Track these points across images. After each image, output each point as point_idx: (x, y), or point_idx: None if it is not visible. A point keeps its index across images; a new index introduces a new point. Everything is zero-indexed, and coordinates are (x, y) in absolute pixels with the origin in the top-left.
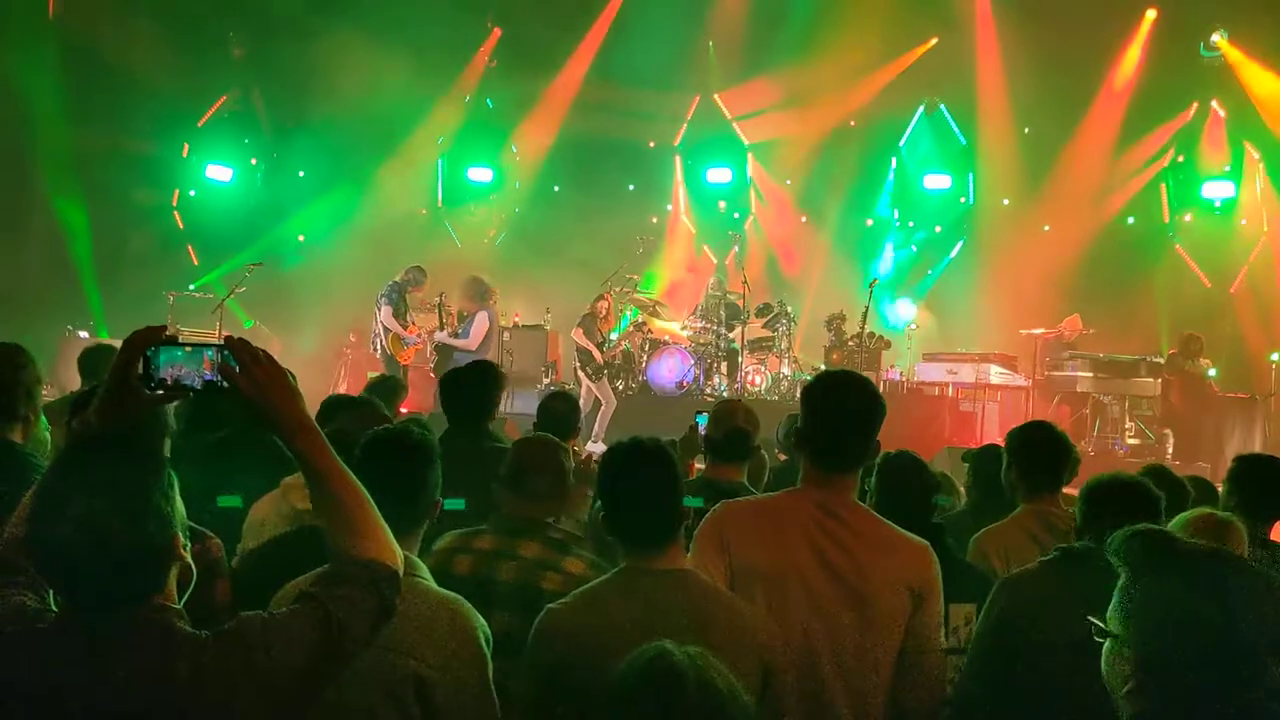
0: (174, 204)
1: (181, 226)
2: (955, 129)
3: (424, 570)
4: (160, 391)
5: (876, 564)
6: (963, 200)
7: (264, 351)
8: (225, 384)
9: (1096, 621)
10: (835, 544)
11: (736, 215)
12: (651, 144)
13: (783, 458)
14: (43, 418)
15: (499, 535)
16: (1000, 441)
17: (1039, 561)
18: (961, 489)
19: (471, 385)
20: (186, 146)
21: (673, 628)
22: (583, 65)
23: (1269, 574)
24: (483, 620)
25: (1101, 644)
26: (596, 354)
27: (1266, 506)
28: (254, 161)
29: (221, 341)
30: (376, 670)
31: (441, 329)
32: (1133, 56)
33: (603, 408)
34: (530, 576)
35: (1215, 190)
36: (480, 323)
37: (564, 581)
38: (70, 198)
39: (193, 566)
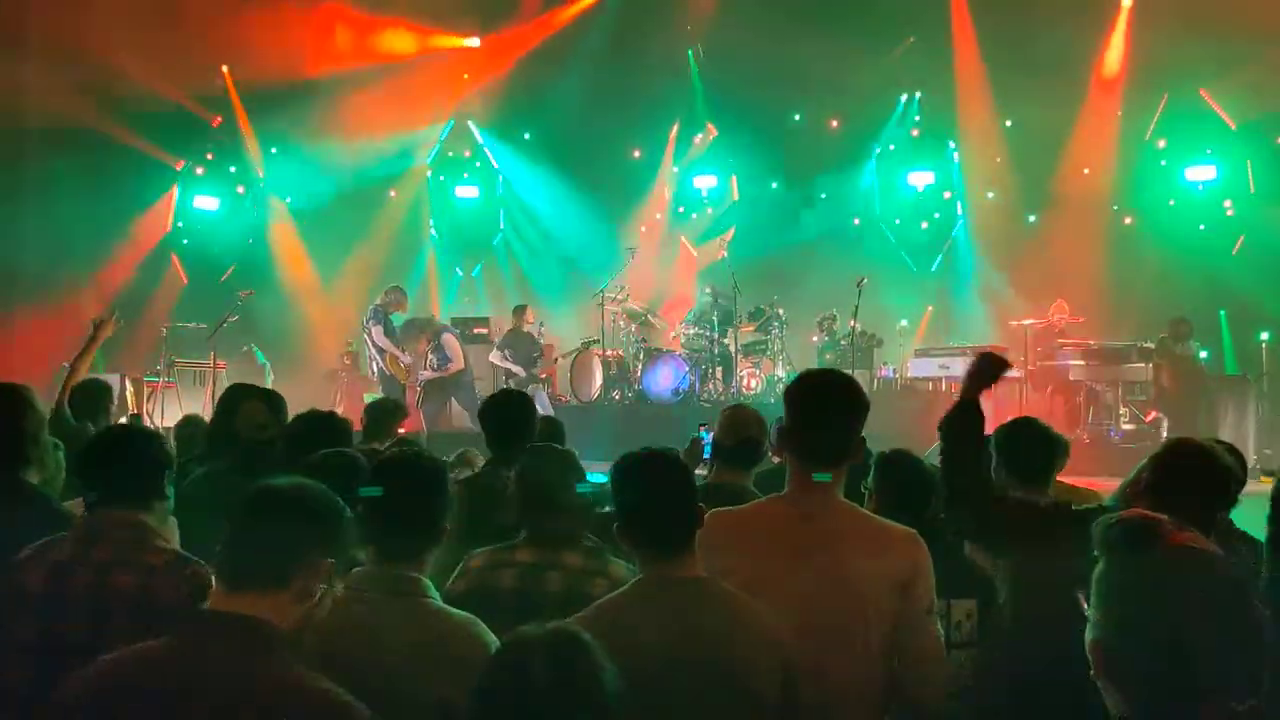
0: (165, 235)
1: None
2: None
3: (433, 591)
4: None
5: (860, 560)
6: (947, 195)
7: None
8: None
9: (1084, 601)
10: (817, 545)
11: (723, 219)
12: (636, 153)
13: (776, 460)
14: (58, 453)
15: (538, 548)
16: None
17: None
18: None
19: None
20: (175, 183)
21: (699, 635)
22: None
23: (1240, 575)
24: (495, 638)
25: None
26: (515, 369)
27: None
28: (241, 190)
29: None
30: (401, 702)
31: (424, 368)
32: (1116, 45)
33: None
34: (579, 583)
35: (1197, 174)
36: (450, 343)
37: (610, 586)
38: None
39: None
